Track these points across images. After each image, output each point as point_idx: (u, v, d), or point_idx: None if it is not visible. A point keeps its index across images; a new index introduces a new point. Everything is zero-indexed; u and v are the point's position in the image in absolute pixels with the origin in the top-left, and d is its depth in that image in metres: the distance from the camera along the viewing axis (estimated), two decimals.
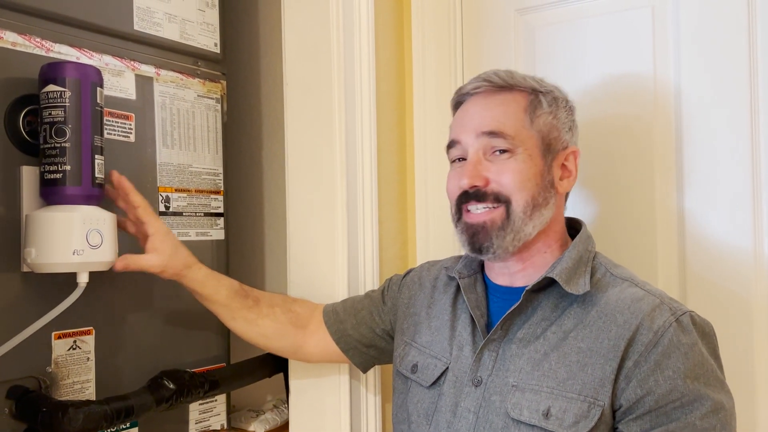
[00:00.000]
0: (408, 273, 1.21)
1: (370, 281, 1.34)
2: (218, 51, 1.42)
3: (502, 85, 0.99)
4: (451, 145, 1.01)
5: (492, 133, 0.96)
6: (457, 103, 1.05)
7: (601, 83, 1.27)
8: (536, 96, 0.99)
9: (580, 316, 0.92)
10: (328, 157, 1.32)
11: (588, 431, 0.84)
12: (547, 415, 0.87)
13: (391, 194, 1.43)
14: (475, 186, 0.96)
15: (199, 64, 1.39)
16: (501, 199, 0.95)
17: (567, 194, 1.04)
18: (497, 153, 0.96)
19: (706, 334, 0.89)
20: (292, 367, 1.37)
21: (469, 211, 0.98)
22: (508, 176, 0.95)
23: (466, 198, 0.97)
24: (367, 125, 1.35)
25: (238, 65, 1.69)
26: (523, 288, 0.96)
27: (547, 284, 0.95)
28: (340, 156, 1.32)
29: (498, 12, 1.39)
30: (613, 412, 0.86)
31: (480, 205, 0.96)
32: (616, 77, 1.25)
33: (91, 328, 1.18)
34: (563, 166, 1.00)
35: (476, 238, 0.97)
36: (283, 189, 1.41)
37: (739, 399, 1.13)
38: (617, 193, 1.25)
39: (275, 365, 1.43)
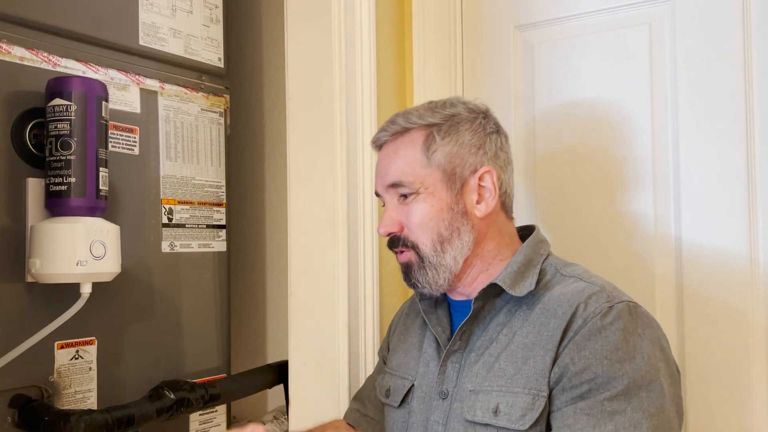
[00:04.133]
0: (390, 324, 1.23)
1: (370, 294, 1.36)
2: (222, 66, 1.45)
3: (398, 130, 1.02)
4: (376, 194, 1.07)
5: (393, 185, 1.00)
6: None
7: (599, 99, 1.29)
8: (431, 132, 1.00)
9: (527, 315, 0.95)
10: (329, 170, 1.34)
11: (534, 421, 0.87)
12: (496, 412, 0.89)
13: None
14: (390, 233, 1.01)
15: (203, 78, 1.42)
16: (408, 245, 1.00)
17: (507, 207, 1.05)
18: (403, 198, 1.00)
19: (645, 324, 0.89)
20: (292, 378, 1.38)
21: (395, 252, 1.04)
22: (412, 221, 0.99)
23: (390, 243, 1.03)
24: (368, 139, 1.37)
25: (241, 80, 1.71)
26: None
27: (500, 291, 0.98)
28: (342, 169, 1.33)
29: (498, 28, 1.41)
30: None
31: (397, 250, 1.02)
32: (614, 94, 1.27)
33: (94, 338, 1.19)
34: (480, 187, 1.00)
35: (407, 276, 1.02)
36: (285, 201, 1.42)
37: (735, 409, 1.14)
38: (613, 207, 1.26)
39: (276, 376, 1.44)
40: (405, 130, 1.01)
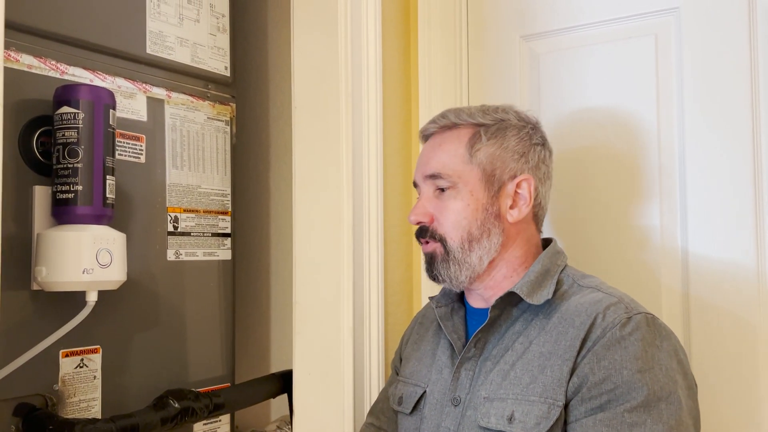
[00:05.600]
0: (403, 335, 1.22)
1: (375, 303, 1.35)
2: (228, 74, 1.45)
3: (447, 124, 1.05)
4: (414, 184, 1.09)
5: (433, 176, 1.02)
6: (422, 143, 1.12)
7: (605, 109, 1.29)
8: (478, 131, 1.03)
9: (543, 324, 0.95)
10: (334, 179, 1.34)
11: (548, 430, 0.86)
12: (511, 419, 0.89)
13: (396, 216, 1.44)
14: (420, 222, 1.03)
15: (210, 87, 1.42)
16: (436, 237, 1.02)
17: (539, 219, 1.07)
18: (440, 191, 1.03)
19: (663, 335, 0.89)
20: (297, 387, 1.38)
21: (421, 243, 1.06)
22: (445, 216, 1.01)
23: (418, 233, 1.05)
24: (374, 148, 1.37)
25: (247, 88, 1.71)
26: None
27: (517, 300, 0.98)
28: (347, 178, 1.33)
29: (503, 38, 1.41)
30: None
31: (424, 240, 1.04)
32: (620, 104, 1.27)
33: (98, 346, 1.19)
34: (516, 193, 1.02)
35: (429, 267, 1.04)
36: (290, 210, 1.42)
37: (743, 421, 1.13)
38: (619, 218, 1.26)
39: (280, 386, 1.44)
40: (453, 125, 1.04)
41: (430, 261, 1.03)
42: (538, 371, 0.90)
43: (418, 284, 1.49)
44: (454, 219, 1.01)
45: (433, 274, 1.04)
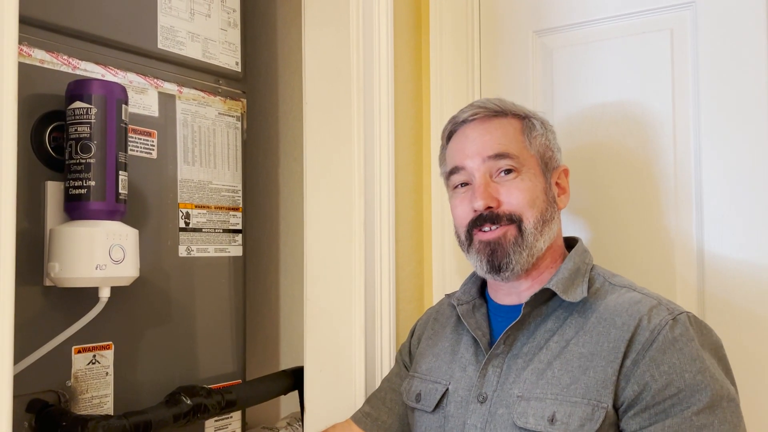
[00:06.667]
0: (413, 328, 1.21)
1: (386, 299, 1.35)
2: (239, 70, 1.44)
3: (496, 110, 1.04)
4: (453, 171, 1.04)
5: (498, 156, 0.99)
6: (451, 132, 1.08)
7: (619, 105, 1.28)
8: (528, 120, 1.04)
9: (580, 323, 0.94)
10: (346, 175, 1.33)
11: None
12: (552, 420, 0.88)
13: (407, 213, 1.44)
14: (490, 207, 0.98)
15: (221, 82, 1.41)
16: (513, 219, 0.98)
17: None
18: (503, 174, 1.00)
19: (705, 334, 0.90)
20: (308, 384, 1.37)
21: (482, 231, 1.00)
22: (519, 195, 0.98)
23: (480, 221, 0.99)
24: (385, 144, 1.36)
25: (257, 84, 1.71)
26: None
27: (548, 297, 0.97)
28: (358, 174, 1.33)
29: (516, 34, 1.40)
30: (616, 412, 0.87)
31: (494, 227, 0.99)
32: (635, 100, 1.26)
33: (111, 342, 1.19)
34: (557, 183, 1.05)
35: (495, 255, 0.98)
36: (298, 206, 1.41)
37: (759, 418, 1.12)
38: (635, 214, 1.25)
39: (291, 382, 1.43)
40: (502, 113, 1.04)
41: (496, 248, 0.98)
42: (579, 372, 0.89)
43: (429, 280, 1.48)
44: (528, 198, 0.98)
45: (501, 262, 0.97)
